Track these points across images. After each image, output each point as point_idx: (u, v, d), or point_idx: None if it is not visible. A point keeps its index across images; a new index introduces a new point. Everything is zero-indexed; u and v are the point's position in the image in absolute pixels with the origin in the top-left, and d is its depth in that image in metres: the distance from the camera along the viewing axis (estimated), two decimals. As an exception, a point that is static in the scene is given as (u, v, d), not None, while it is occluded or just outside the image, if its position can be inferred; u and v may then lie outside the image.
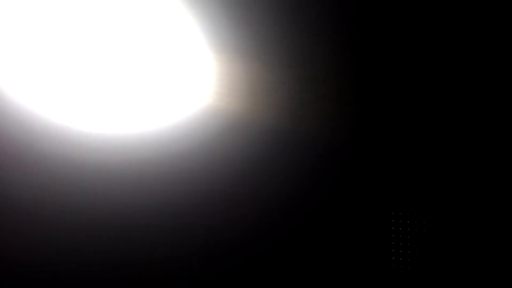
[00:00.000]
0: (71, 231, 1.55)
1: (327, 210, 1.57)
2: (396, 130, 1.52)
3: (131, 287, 1.56)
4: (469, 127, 1.50)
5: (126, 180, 1.55)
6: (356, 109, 1.52)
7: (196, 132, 1.54)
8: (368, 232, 1.55)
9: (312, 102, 1.51)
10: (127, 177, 1.55)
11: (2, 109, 1.46)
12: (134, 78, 1.47)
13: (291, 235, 1.58)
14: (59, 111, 1.49)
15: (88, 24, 1.39)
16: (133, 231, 1.57)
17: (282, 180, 1.57)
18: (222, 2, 1.39)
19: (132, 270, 1.57)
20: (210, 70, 1.47)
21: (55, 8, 1.36)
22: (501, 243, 1.46)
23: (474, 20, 1.41)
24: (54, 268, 1.55)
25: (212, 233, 1.58)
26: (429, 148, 1.52)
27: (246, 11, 1.40)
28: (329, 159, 1.56)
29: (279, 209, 1.58)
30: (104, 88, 1.47)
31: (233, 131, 1.54)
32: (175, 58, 1.46)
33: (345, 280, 1.55)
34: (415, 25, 1.42)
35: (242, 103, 1.51)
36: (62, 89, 1.47)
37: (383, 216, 1.55)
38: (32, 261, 1.54)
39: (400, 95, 1.50)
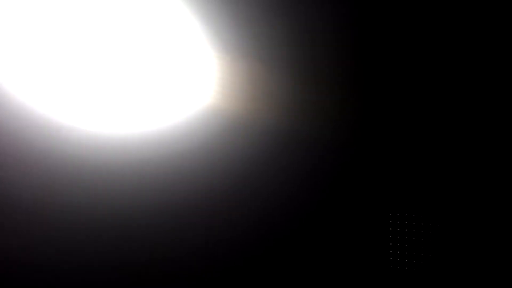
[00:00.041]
0: (71, 231, 1.55)
1: (327, 211, 1.57)
2: (396, 130, 1.52)
3: (131, 287, 1.56)
4: (469, 128, 1.50)
5: (126, 180, 1.55)
6: (357, 109, 1.51)
7: (197, 132, 1.54)
8: (369, 232, 1.55)
9: (313, 102, 1.51)
10: (127, 177, 1.55)
11: (2, 109, 1.46)
12: (135, 78, 1.47)
13: (291, 235, 1.58)
14: (59, 111, 1.49)
15: (90, 24, 1.39)
16: (133, 231, 1.57)
17: (282, 180, 1.57)
18: (222, 2, 1.39)
19: (132, 270, 1.57)
20: (211, 70, 1.47)
21: (56, 8, 1.36)
22: (500, 244, 1.46)
23: (474, 20, 1.40)
24: (54, 268, 1.55)
25: (212, 233, 1.58)
26: (430, 148, 1.52)
27: (247, 11, 1.40)
28: (330, 159, 1.55)
29: (279, 209, 1.58)
30: (105, 87, 1.47)
31: (234, 131, 1.54)
32: (176, 58, 1.45)
33: (345, 280, 1.55)
34: (417, 26, 1.42)
35: (243, 103, 1.51)
36: (63, 89, 1.46)
37: (383, 217, 1.55)
38: (32, 261, 1.54)
39: (401, 95, 1.50)
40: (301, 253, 1.57)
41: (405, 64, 1.47)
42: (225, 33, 1.42)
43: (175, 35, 1.42)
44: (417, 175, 1.53)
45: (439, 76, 1.47)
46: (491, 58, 1.44)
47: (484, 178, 1.50)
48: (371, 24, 1.42)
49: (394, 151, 1.53)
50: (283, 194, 1.58)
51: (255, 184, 1.57)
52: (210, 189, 1.58)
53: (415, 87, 1.49)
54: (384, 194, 1.55)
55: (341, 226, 1.57)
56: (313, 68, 1.47)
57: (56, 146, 1.51)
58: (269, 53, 1.45)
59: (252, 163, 1.56)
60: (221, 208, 1.58)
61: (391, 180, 1.55)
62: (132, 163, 1.55)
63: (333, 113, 1.51)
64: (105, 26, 1.39)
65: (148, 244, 1.57)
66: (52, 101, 1.47)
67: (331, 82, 1.47)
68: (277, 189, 1.57)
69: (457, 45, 1.44)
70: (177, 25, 1.41)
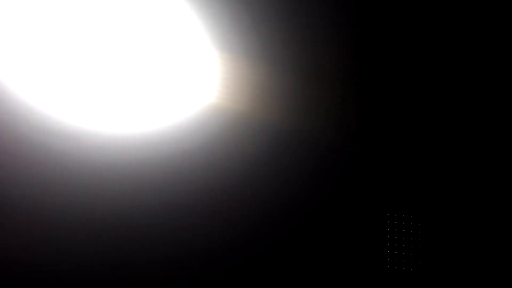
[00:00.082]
0: (71, 231, 1.55)
1: (328, 211, 1.57)
2: (398, 131, 1.52)
3: (131, 287, 1.56)
4: (470, 129, 1.50)
5: (126, 180, 1.55)
6: (359, 110, 1.51)
7: (198, 132, 1.54)
8: (369, 233, 1.55)
9: (316, 102, 1.51)
10: (127, 177, 1.55)
11: (2, 109, 1.46)
12: (137, 78, 1.47)
13: (292, 235, 1.58)
14: (60, 110, 1.48)
15: (92, 23, 1.39)
16: (133, 231, 1.57)
17: (283, 180, 1.57)
18: (225, 2, 1.39)
19: (132, 270, 1.57)
20: (214, 70, 1.47)
21: (58, 7, 1.36)
22: (499, 245, 1.46)
23: (474, 20, 1.40)
24: (54, 268, 1.55)
25: (212, 233, 1.58)
26: (432, 148, 1.52)
27: (249, 11, 1.40)
28: (331, 159, 1.55)
29: (279, 209, 1.58)
30: (107, 87, 1.47)
31: (236, 131, 1.54)
32: (178, 58, 1.45)
33: (345, 280, 1.55)
34: (419, 26, 1.42)
35: (245, 103, 1.51)
36: (64, 88, 1.46)
37: (384, 217, 1.55)
38: (32, 261, 1.54)
39: (402, 96, 1.50)
40: (301, 253, 1.57)
41: (407, 61, 1.47)
42: (228, 32, 1.42)
43: (177, 34, 1.42)
44: (418, 175, 1.53)
45: (441, 78, 1.47)
46: (491, 58, 1.44)
47: (483, 179, 1.50)
48: (375, 25, 1.42)
49: (396, 151, 1.53)
50: (284, 194, 1.58)
51: (256, 184, 1.57)
52: (211, 189, 1.58)
53: (417, 88, 1.49)
54: (385, 194, 1.55)
55: (341, 226, 1.57)
56: (315, 64, 1.47)
57: (57, 146, 1.51)
58: (272, 53, 1.45)
59: (253, 163, 1.56)
60: (221, 208, 1.58)
61: (392, 180, 1.55)
62: (134, 162, 1.55)
63: (334, 112, 1.51)
64: (108, 26, 1.39)
65: (148, 244, 1.57)
66: (53, 101, 1.47)
67: (335, 83, 1.47)
68: (278, 189, 1.57)
69: (458, 47, 1.44)
70: (180, 25, 1.41)
